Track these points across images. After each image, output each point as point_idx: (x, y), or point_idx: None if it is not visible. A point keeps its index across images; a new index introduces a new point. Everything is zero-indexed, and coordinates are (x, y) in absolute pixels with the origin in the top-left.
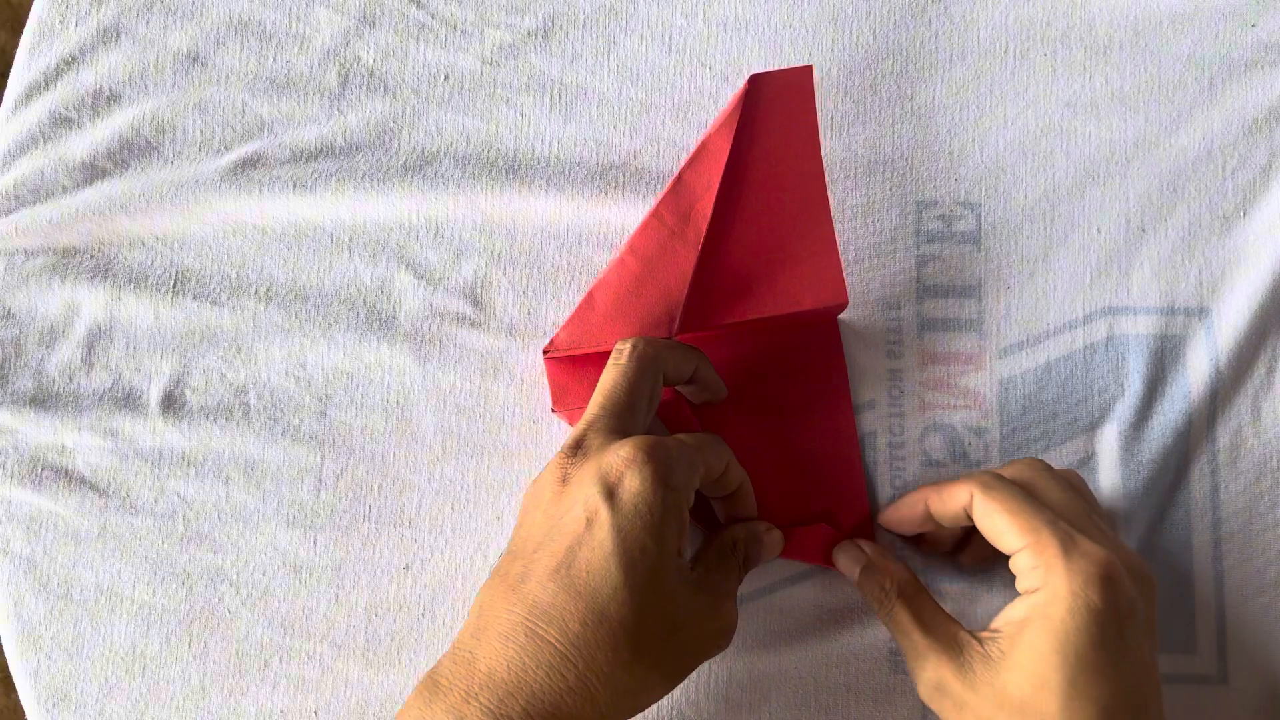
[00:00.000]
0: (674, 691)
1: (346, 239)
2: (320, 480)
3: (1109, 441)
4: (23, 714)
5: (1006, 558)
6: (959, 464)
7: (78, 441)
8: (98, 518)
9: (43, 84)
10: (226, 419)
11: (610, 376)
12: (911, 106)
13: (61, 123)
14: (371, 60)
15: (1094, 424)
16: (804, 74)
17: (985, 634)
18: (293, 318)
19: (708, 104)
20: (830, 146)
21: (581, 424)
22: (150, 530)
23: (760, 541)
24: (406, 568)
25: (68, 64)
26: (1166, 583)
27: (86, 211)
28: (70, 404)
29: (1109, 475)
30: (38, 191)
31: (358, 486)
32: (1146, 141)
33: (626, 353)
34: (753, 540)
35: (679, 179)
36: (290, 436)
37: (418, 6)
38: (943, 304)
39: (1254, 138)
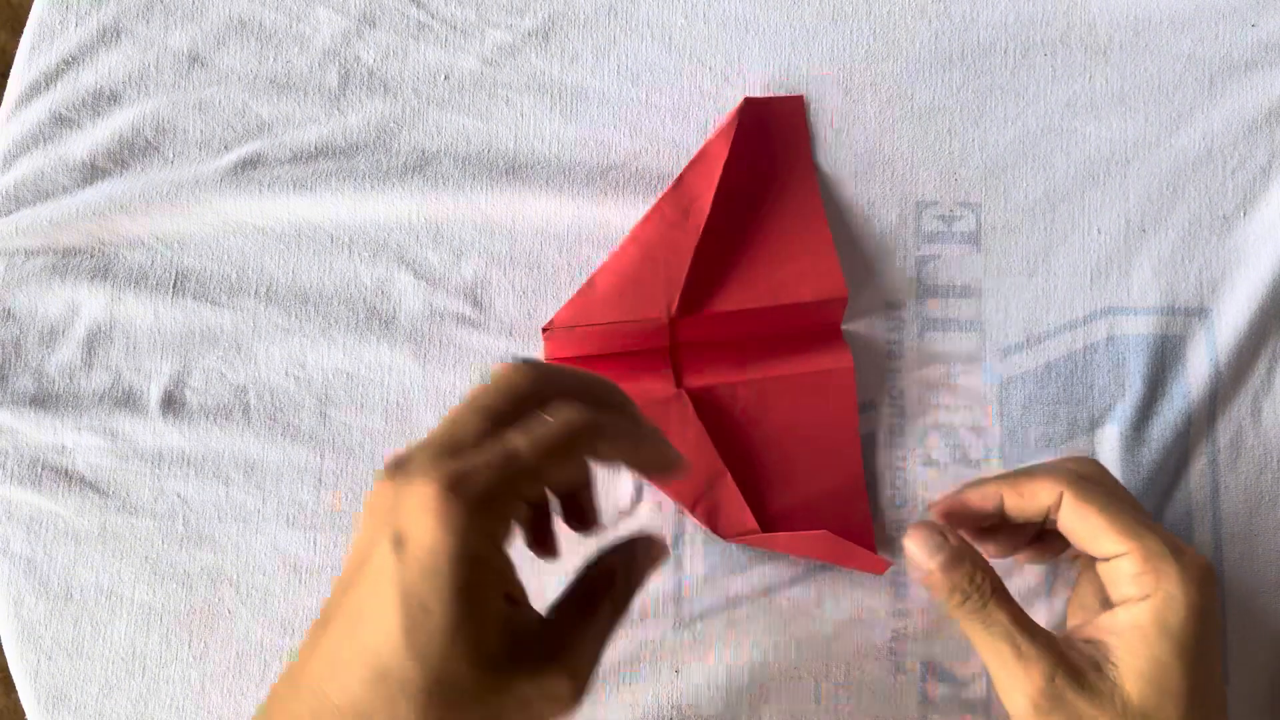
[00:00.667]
0: (671, 691)
1: (346, 239)
2: (320, 480)
3: (1109, 442)
4: (23, 714)
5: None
6: (959, 464)
7: (78, 441)
8: (98, 518)
9: (43, 84)
10: (226, 419)
11: (476, 391)
12: (911, 106)
13: (61, 123)
14: (371, 60)
15: (1094, 424)
16: (796, 104)
17: (1082, 642)
18: (293, 318)
19: (707, 104)
20: (830, 146)
21: (421, 440)
22: (150, 530)
23: (640, 561)
24: None
25: (68, 64)
26: None
27: (86, 211)
28: (70, 404)
29: None
30: (38, 191)
31: (358, 486)
32: (1146, 141)
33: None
34: (631, 565)
35: (680, 178)
36: (290, 436)
37: (418, 6)
38: (943, 304)
39: (1254, 138)
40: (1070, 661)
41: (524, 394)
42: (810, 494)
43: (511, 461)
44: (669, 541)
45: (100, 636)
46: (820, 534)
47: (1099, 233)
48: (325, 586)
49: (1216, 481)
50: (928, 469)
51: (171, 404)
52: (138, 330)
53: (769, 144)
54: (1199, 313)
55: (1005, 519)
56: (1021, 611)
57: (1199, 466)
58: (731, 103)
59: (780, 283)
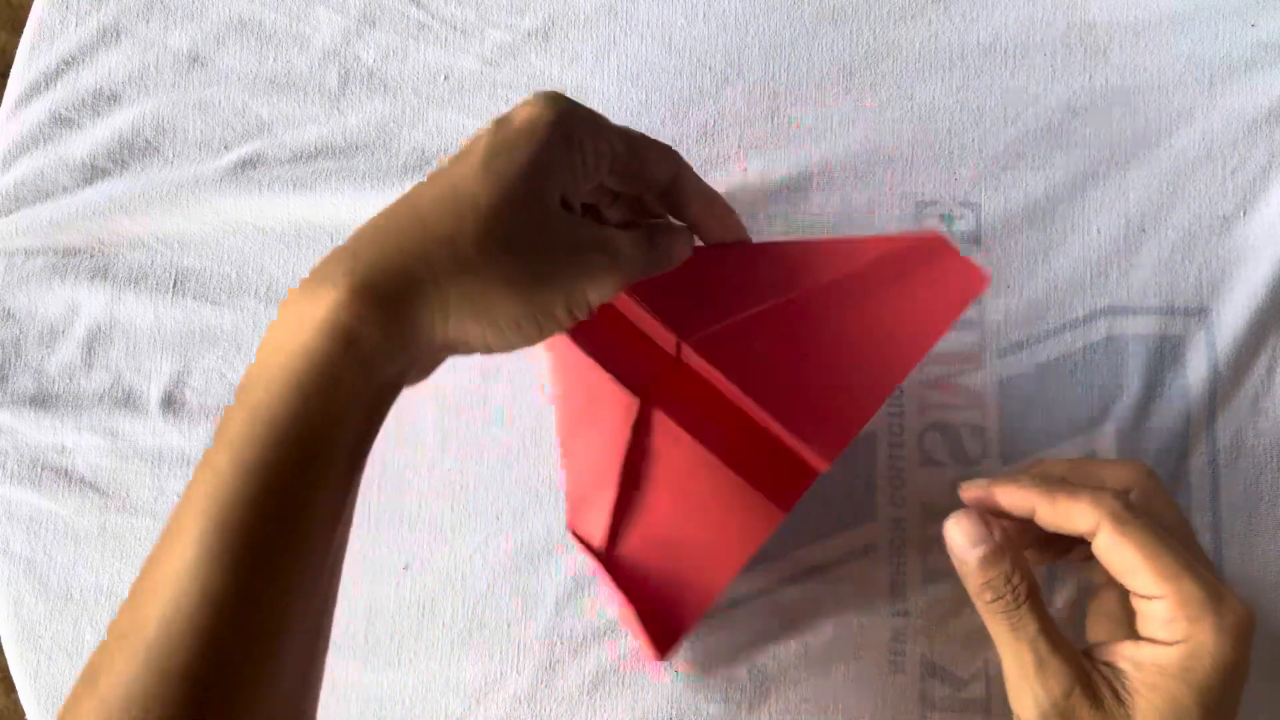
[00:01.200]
0: (672, 691)
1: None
2: None
3: (1108, 441)
4: (23, 714)
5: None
6: (959, 464)
7: (78, 441)
8: (98, 518)
9: (43, 84)
10: None
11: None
12: (911, 106)
13: (61, 123)
14: (371, 60)
15: (1093, 423)
16: (977, 280)
17: (1103, 664)
18: None
19: (707, 104)
20: (830, 146)
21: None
22: (150, 530)
23: (669, 230)
24: (406, 567)
25: (68, 64)
26: None
27: (86, 211)
28: (70, 404)
29: None
30: (38, 191)
31: None
32: (1146, 141)
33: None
34: (665, 227)
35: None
36: None
37: (418, 6)
38: None
39: (1254, 138)
40: (1090, 682)
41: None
42: (677, 540)
43: (608, 121)
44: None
45: (100, 636)
46: (624, 603)
47: (1098, 232)
48: None
49: (1216, 481)
50: (928, 469)
51: (171, 404)
52: (138, 330)
53: (923, 288)
54: (1198, 312)
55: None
56: (1051, 621)
57: (1198, 466)
58: (732, 103)
59: (793, 402)
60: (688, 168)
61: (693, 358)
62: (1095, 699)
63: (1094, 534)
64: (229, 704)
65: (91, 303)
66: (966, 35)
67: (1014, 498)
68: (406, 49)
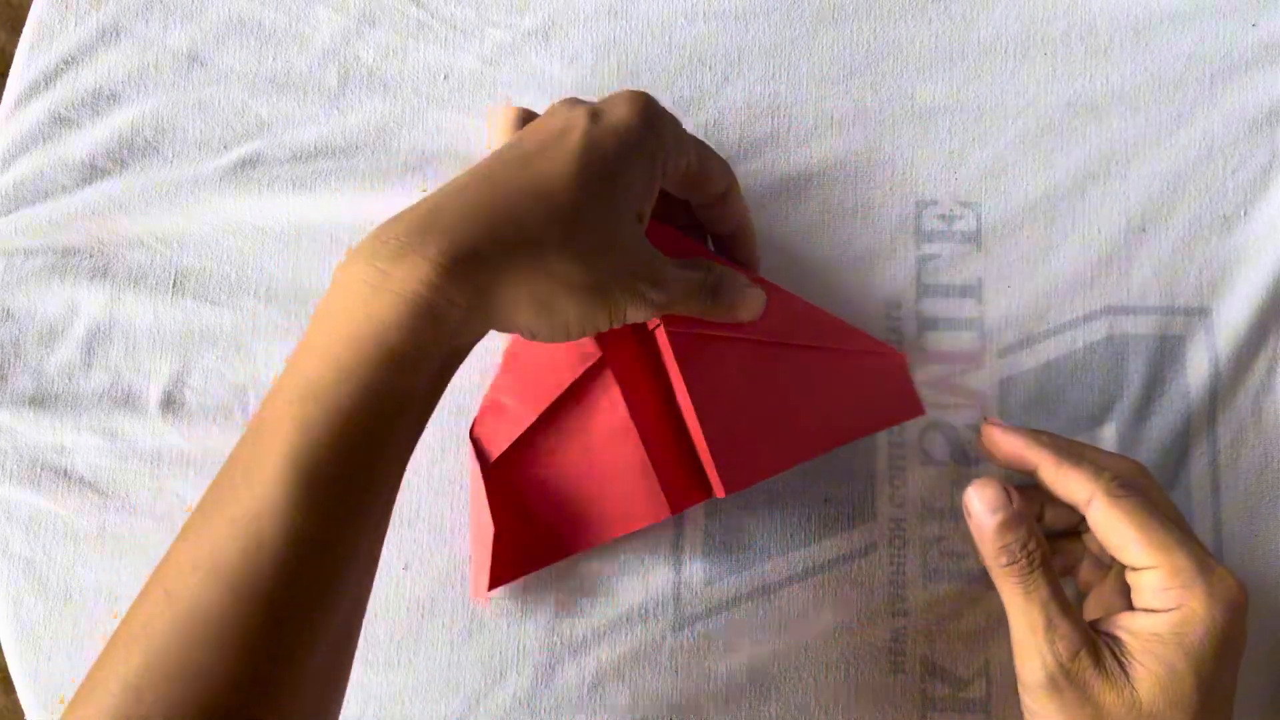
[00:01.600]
0: (671, 691)
1: (346, 239)
2: None
3: (1108, 441)
4: (23, 714)
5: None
6: (959, 463)
7: (77, 441)
8: (97, 518)
9: (42, 84)
10: (226, 419)
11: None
12: (911, 106)
13: (61, 122)
14: (371, 60)
15: (1093, 423)
16: (916, 409)
17: (1103, 633)
18: (292, 318)
19: (708, 103)
20: (830, 146)
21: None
22: (150, 530)
23: (737, 287)
24: (406, 567)
25: (67, 64)
26: None
27: (86, 211)
28: (69, 404)
29: None
30: (37, 191)
31: None
32: (1147, 141)
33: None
34: (731, 281)
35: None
36: None
37: (418, 6)
38: (943, 303)
39: (1254, 137)
40: (1095, 647)
41: None
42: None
43: (687, 134)
44: (671, 547)
45: (100, 636)
46: (489, 527)
47: (1099, 232)
48: None
49: (1216, 481)
50: (928, 469)
51: (171, 404)
52: (137, 330)
53: (872, 392)
54: (1199, 312)
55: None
56: (1061, 588)
57: (1199, 466)
58: (732, 102)
59: (724, 428)
60: (737, 184)
61: (663, 342)
62: (1099, 663)
63: (1088, 504)
64: (298, 628)
65: (91, 303)
66: (967, 35)
67: (1025, 449)
68: (406, 48)
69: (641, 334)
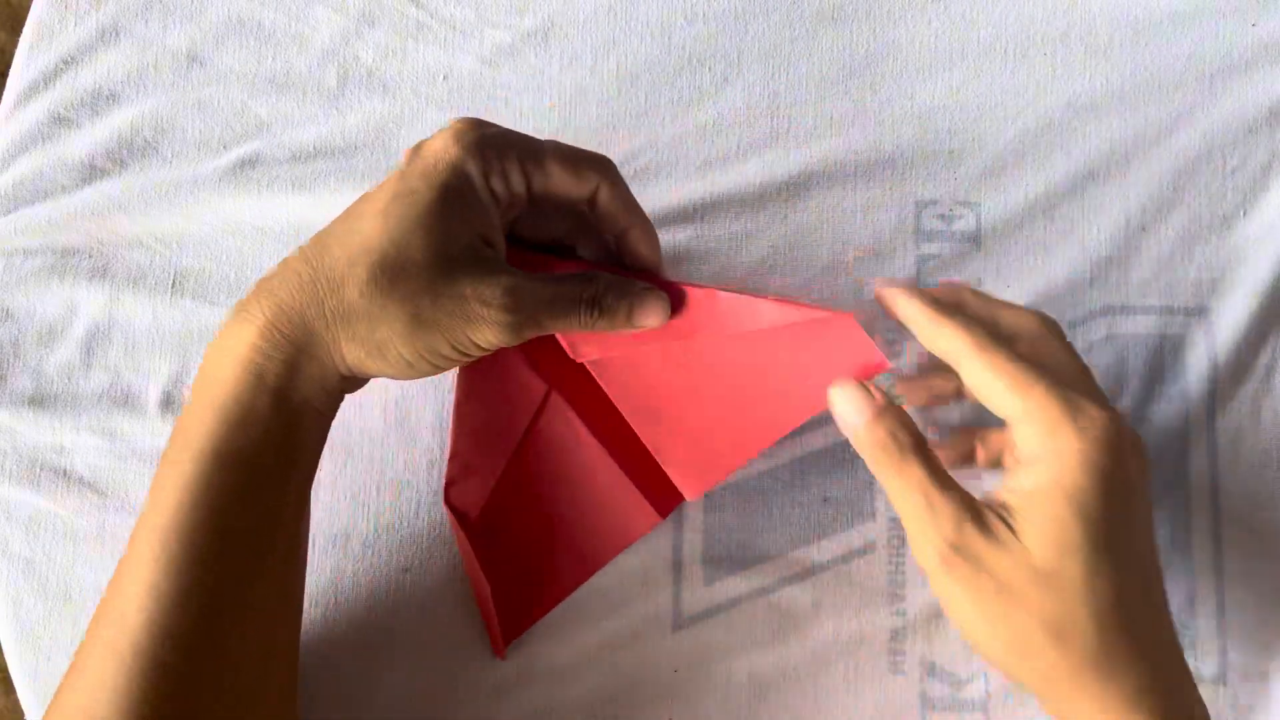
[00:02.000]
0: (671, 691)
1: None
2: (318, 481)
3: None
4: (23, 714)
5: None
6: (959, 463)
7: (76, 442)
8: (96, 518)
9: (42, 84)
10: None
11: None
12: (911, 106)
13: (60, 122)
14: (370, 60)
15: None
16: (879, 365)
17: (995, 505)
18: None
19: (707, 104)
20: (830, 146)
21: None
22: None
23: (630, 294)
24: (406, 570)
25: (67, 64)
26: (1167, 582)
27: (85, 211)
28: (69, 404)
29: None
30: (37, 191)
31: (357, 487)
32: (1146, 141)
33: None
34: (620, 290)
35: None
36: None
37: (417, 6)
38: None
39: (1254, 137)
40: (981, 516)
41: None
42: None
43: (526, 137)
44: (670, 547)
45: None
46: (484, 584)
47: (1098, 232)
48: (324, 589)
49: (1216, 481)
50: None
51: (170, 404)
52: (136, 330)
53: (821, 359)
54: (1198, 312)
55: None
56: (938, 467)
57: (1198, 466)
58: (731, 102)
59: (670, 435)
60: (619, 183)
61: (591, 371)
62: (987, 531)
63: (960, 361)
64: (174, 677)
65: (90, 303)
66: (966, 35)
67: (906, 308)
68: (405, 49)
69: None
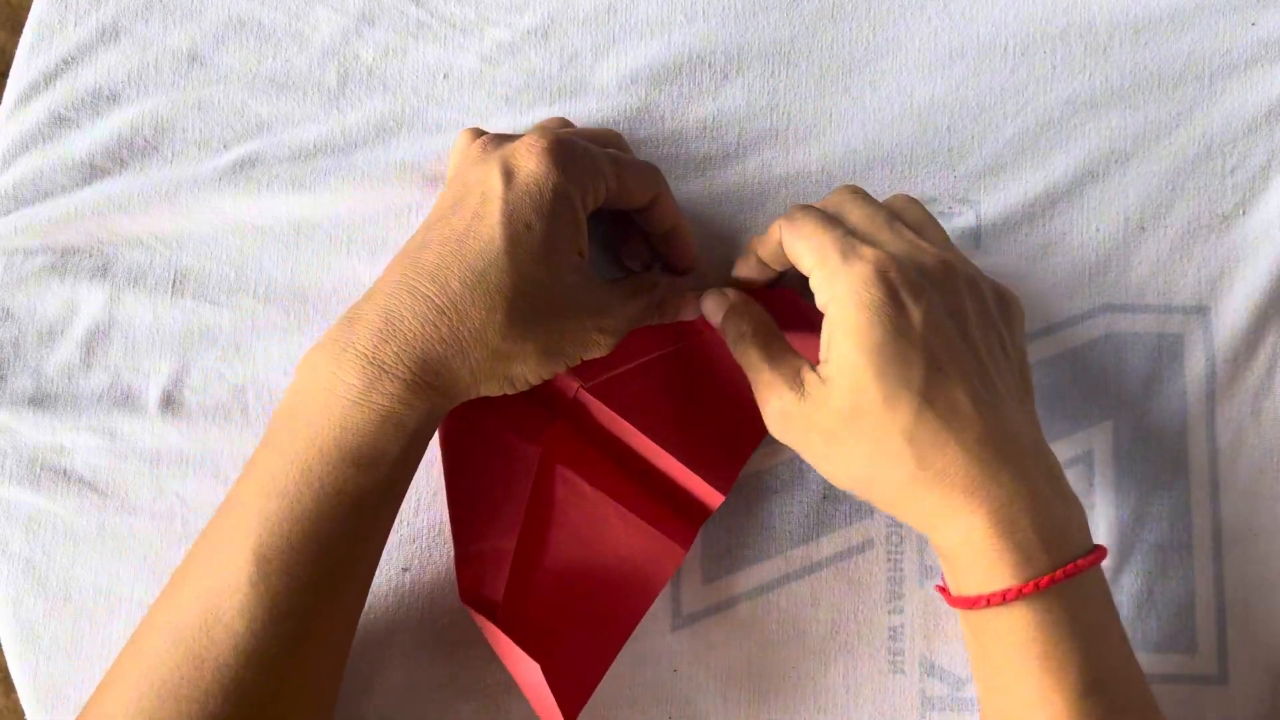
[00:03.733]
0: (671, 691)
1: (345, 238)
2: None
3: (1106, 438)
4: (22, 714)
5: None
6: None
7: (76, 441)
8: (96, 518)
9: (42, 84)
10: (225, 419)
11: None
12: (911, 104)
13: (61, 122)
14: (371, 59)
15: (1091, 421)
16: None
17: (820, 363)
18: (292, 317)
19: (707, 102)
20: (830, 144)
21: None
22: (149, 530)
23: (680, 294)
24: (405, 570)
25: (67, 64)
26: (1167, 583)
27: (85, 211)
28: (69, 404)
29: (1106, 473)
30: (37, 191)
31: None
32: (1146, 139)
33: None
34: (674, 290)
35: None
36: None
37: (417, 5)
38: None
39: (1253, 136)
40: (803, 382)
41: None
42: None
43: (601, 152)
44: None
45: (99, 636)
46: (532, 664)
47: (1097, 230)
48: None
49: (1216, 481)
50: None
51: (170, 404)
52: (136, 330)
53: (793, 333)
54: (1197, 311)
55: (771, 268)
56: (780, 347)
57: (1198, 465)
58: (731, 100)
59: (687, 439)
60: (667, 192)
61: (591, 401)
62: (803, 394)
63: (778, 231)
64: (252, 696)
65: (90, 302)
66: (966, 33)
67: (744, 255)
68: (406, 48)
69: (562, 406)
